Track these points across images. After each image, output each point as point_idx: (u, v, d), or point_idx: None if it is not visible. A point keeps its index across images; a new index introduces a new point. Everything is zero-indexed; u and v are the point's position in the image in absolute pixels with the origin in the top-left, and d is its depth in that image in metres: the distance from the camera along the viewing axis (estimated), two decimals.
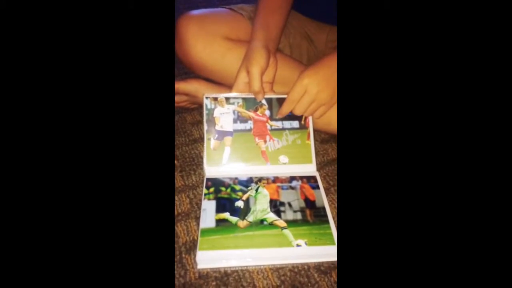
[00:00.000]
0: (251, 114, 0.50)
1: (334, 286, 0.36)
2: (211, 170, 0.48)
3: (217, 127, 0.49)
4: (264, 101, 0.50)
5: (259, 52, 0.47)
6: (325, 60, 0.47)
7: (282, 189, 0.46)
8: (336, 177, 0.50)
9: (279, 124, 0.51)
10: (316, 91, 0.45)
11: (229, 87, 0.51)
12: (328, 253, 0.38)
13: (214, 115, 0.49)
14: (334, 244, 0.38)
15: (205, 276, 0.36)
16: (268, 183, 0.46)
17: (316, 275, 0.37)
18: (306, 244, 0.38)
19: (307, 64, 0.60)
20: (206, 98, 0.49)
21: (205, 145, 0.48)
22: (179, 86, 0.57)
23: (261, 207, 0.43)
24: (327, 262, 0.38)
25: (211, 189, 0.45)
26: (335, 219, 0.42)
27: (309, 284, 0.36)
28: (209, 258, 0.36)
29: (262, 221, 0.41)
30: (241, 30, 0.55)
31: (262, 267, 0.37)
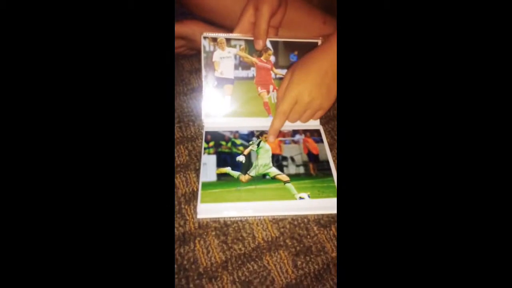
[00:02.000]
0: (254, 59, 0.46)
1: (333, 239, 0.36)
2: (210, 122, 0.46)
3: (217, 74, 0.46)
4: (269, 45, 0.46)
5: None
6: (312, 62, 0.41)
7: (285, 143, 0.45)
8: None
9: (284, 72, 0.47)
10: (308, 100, 0.41)
11: (230, 29, 0.46)
12: (331, 205, 0.38)
13: (213, 60, 0.46)
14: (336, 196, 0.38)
15: (204, 226, 0.37)
16: None
17: (315, 227, 0.37)
18: (309, 197, 0.38)
19: (317, 6, 0.54)
20: (204, 38, 0.45)
21: (203, 93, 0.46)
22: (176, 28, 0.52)
23: (263, 162, 0.42)
24: (327, 216, 0.38)
25: (211, 143, 0.43)
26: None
27: (308, 236, 0.37)
28: (210, 209, 0.37)
29: (264, 175, 0.40)
30: None
31: (261, 218, 0.37)
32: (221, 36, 0.45)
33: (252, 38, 0.45)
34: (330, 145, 0.45)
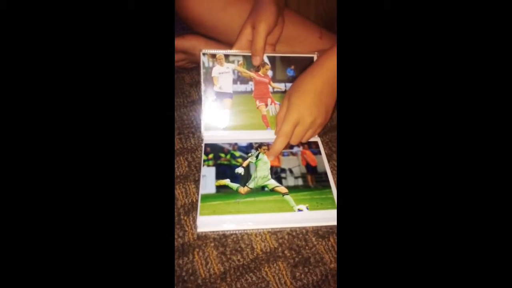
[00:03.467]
0: (252, 74, 0.49)
1: (331, 249, 0.38)
2: (209, 135, 0.48)
3: (216, 88, 0.48)
4: (267, 60, 0.49)
5: (269, 8, 0.44)
6: (306, 84, 0.44)
7: (283, 155, 0.46)
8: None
9: (281, 86, 0.50)
10: (311, 120, 0.43)
11: (229, 44, 0.49)
12: (329, 217, 0.40)
13: (212, 75, 0.48)
14: (335, 208, 0.40)
15: (203, 237, 0.38)
16: (268, 149, 0.47)
17: (314, 238, 0.39)
18: (307, 209, 0.40)
19: (314, 21, 0.57)
20: (203, 54, 0.48)
21: (202, 108, 0.48)
22: (176, 43, 0.55)
23: (261, 174, 0.44)
24: (326, 227, 0.40)
25: (210, 156, 0.45)
26: (337, 183, 0.43)
27: (307, 247, 0.38)
28: (209, 222, 0.38)
29: (263, 187, 0.42)
30: None
31: (261, 230, 0.39)
32: (220, 52, 0.48)
33: (250, 54, 0.47)
34: (328, 155, 0.47)
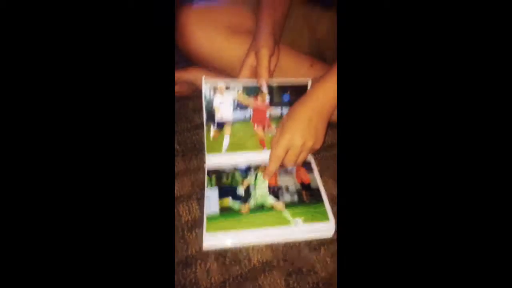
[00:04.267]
0: (251, 102, 0.54)
1: (322, 260, 0.41)
2: (211, 159, 0.53)
3: (217, 118, 0.53)
4: (264, 88, 0.54)
5: (268, 38, 0.50)
6: (296, 113, 0.48)
7: (280, 174, 0.51)
8: (331, 161, 0.55)
9: (278, 111, 0.55)
10: (302, 143, 0.47)
11: (229, 76, 0.55)
12: (323, 229, 0.44)
13: (214, 106, 0.53)
14: (328, 220, 0.44)
15: (205, 250, 0.42)
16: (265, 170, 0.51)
17: (306, 250, 0.42)
18: (302, 222, 0.44)
19: (308, 53, 0.63)
20: (205, 83, 0.52)
21: (205, 135, 0.53)
22: (180, 75, 0.61)
23: (260, 192, 0.48)
24: (317, 240, 0.43)
25: (213, 177, 0.50)
26: (330, 198, 0.47)
27: (299, 258, 0.41)
28: (214, 238, 0.43)
29: (262, 204, 0.47)
30: (243, 20, 0.59)
31: (258, 243, 0.43)
32: (220, 83, 0.53)
33: (248, 84, 0.53)
34: (320, 173, 0.52)
